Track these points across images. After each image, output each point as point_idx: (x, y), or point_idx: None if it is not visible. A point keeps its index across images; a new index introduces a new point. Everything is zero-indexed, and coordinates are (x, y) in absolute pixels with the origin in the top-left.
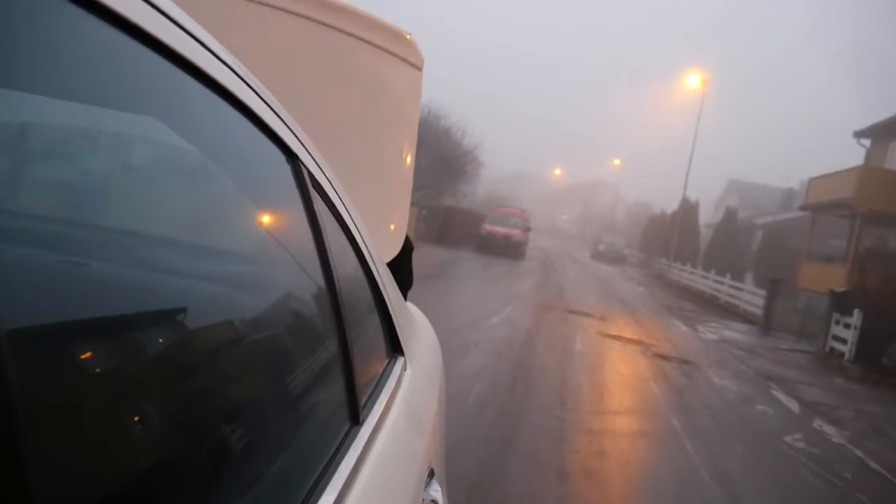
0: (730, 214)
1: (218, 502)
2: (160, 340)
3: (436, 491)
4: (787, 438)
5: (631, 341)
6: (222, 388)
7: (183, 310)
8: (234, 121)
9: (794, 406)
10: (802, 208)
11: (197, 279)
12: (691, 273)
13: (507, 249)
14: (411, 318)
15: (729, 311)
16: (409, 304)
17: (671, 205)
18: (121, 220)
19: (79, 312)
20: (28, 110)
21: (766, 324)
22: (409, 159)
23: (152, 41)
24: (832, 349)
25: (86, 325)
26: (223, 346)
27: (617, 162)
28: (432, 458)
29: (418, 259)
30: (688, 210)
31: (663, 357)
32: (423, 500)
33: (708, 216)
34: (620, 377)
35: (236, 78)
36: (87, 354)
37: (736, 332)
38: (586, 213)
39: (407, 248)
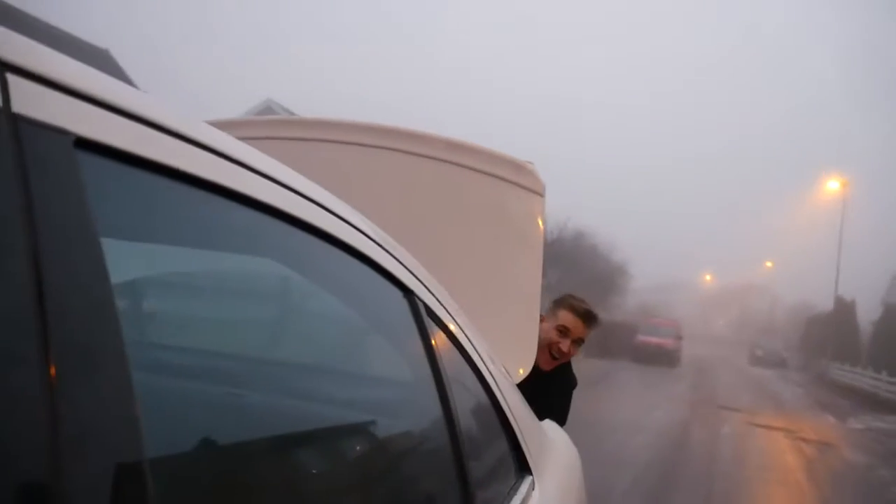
0: (889, 310)
1: None
2: (299, 459)
3: None
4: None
5: (776, 429)
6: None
7: (312, 435)
8: (352, 267)
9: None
10: None
11: (327, 404)
12: (851, 372)
13: (661, 358)
14: (545, 437)
15: (885, 406)
16: (548, 422)
17: (830, 304)
18: (268, 355)
19: (240, 436)
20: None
21: None
22: (534, 282)
23: (278, 212)
24: None
25: (244, 445)
26: (347, 466)
27: (769, 264)
28: None
29: (583, 367)
30: (842, 309)
31: (804, 440)
32: None
33: (873, 312)
34: (760, 450)
35: (349, 227)
36: (244, 471)
37: (885, 423)
38: (742, 317)
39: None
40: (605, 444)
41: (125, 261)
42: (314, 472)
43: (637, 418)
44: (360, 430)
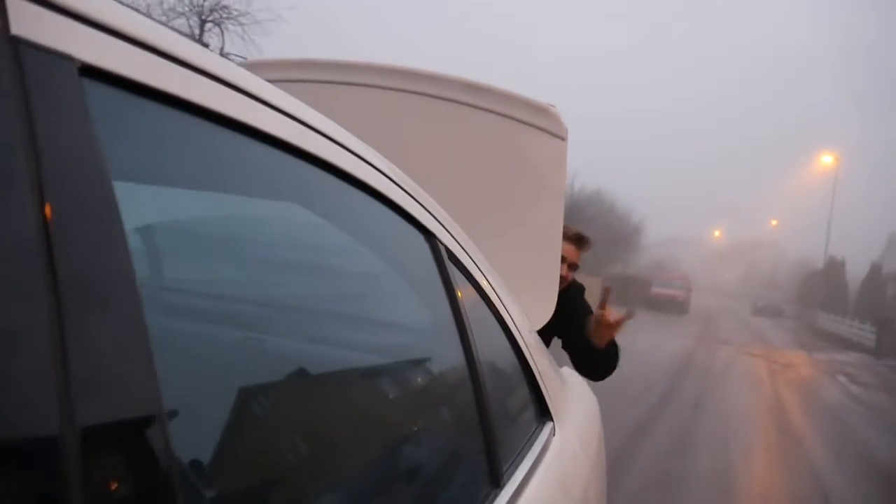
0: (874, 268)
1: None
2: (320, 402)
3: None
4: (823, 384)
5: (757, 356)
6: (368, 447)
7: (338, 379)
8: (372, 207)
9: (843, 379)
10: None
11: (347, 349)
12: (835, 322)
13: (672, 307)
14: (565, 384)
15: (852, 346)
16: (566, 369)
17: (851, 258)
18: (288, 298)
19: (258, 379)
20: (216, 207)
21: (875, 351)
22: (555, 228)
23: (298, 150)
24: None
25: (262, 388)
26: (370, 409)
27: (774, 223)
28: None
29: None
30: (833, 267)
31: (775, 363)
32: None
33: (863, 271)
34: (740, 367)
35: (371, 168)
36: (263, 414)
37: (845, 356)
38: (748, 271)
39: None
40: (632, 362)
41: (135, 197)
42: (334, 415)
43: (654, 347)
44: (381, 372)
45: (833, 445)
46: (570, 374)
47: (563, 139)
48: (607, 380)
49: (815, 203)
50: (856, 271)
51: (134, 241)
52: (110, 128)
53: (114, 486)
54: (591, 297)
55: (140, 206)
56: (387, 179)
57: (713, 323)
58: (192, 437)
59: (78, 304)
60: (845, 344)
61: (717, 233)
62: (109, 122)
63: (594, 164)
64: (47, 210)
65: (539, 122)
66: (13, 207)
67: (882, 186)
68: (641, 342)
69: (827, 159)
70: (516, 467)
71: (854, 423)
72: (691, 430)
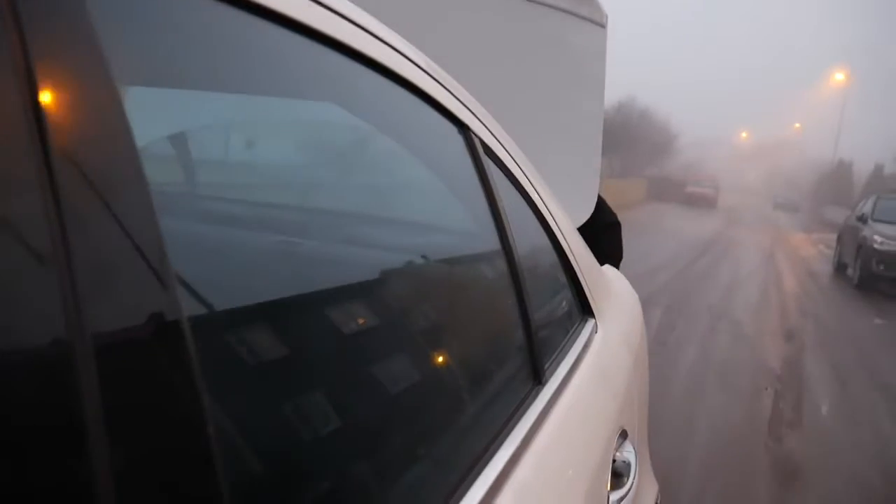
0: (877, 168)
1: (402, 449)
2: (356, 305)
3: (629, 452)
4: (806, 247)
5: (767, 234)
6: (409, 345)
7: (376, 279)
8: (403, 99)
9: (821, 246)
10: None
11: (384, 250)
12: (837, 213)
13: (703, 202)
14: (606, 282)
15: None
16: (608, 267)
17: (859, 159)
18: (317, 201)
19: (295, 286)
20: (239, 110)
21: None
22: (597, 120)
23: (326, 38)
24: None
25: (294, 293)
26: (410, 308)
27: (797, 126)
28: (625, 420)
29: (659, 207)
30: (842, 167)
31: (778, 237)
32: (615, 460)
33: (890, 167)
34: (753, 239)
35: (402, 58)
36: (301, 319)
37: (831, 235)
38: (772, 171)
39: (614, 222)
40: (676, 236)
41: (151, 96)
42: (372, 317)
43: (695, 227)
44: (418, 272)
45: (795, 269)
46: (612, 272)
47: (603, 26)
48: (677, 236)
49: (833, 110)
50: (863, 170)
51: (153, 143)
52: (113, 16)
53: (128, 395)
54: (636, 196)
55: (159, 106)
56: (417, 69)
57: (737, 214)
58: (214, 344)
59: (79, 199)
60: (837, 228)
61: (743, 134)
62: (113, 12)
63: (629, 70)
64: (41, 98)
65: (577, 8)
66: (4, 100)
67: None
68: (685, 225)
69: (839, 76)
70: (558, 364)
71: (813, 263)
72: (721, 260)
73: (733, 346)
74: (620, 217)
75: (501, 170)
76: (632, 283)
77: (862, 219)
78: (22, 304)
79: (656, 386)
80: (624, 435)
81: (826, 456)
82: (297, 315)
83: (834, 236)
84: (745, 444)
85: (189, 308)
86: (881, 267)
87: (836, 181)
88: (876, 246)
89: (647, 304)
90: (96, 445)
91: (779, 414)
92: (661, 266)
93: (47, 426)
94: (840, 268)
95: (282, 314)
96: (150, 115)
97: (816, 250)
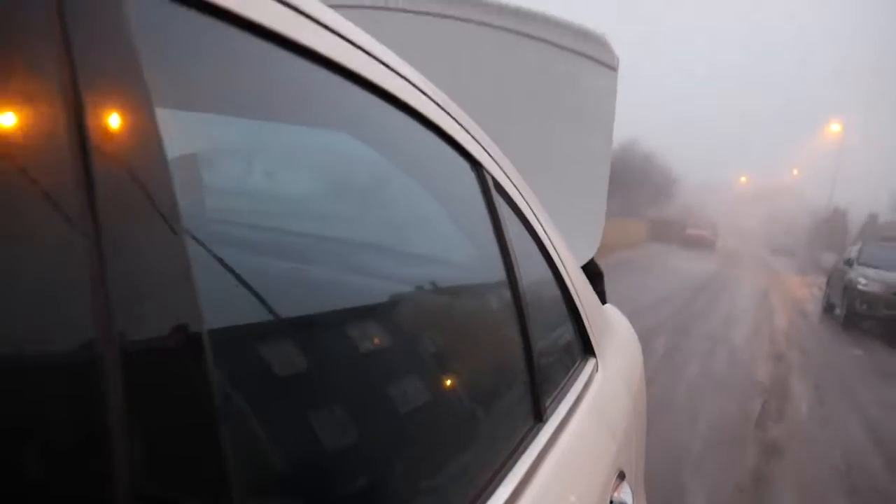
0: (871, 217)
1: (403, 483)
2: (359, 336)
3: (626, 494)
4: (799, 289)
5: (764, 276)
6: (411, 379)
7: (383, 310)
8: (419, 134)
9: (815, 289)
10: None
11: (392, 281)
12: (831, 258)
13: (702, 244)
14: (608, 321)
15: None
16: (609, 306)
17: (854, 208)
18: (328, 229)
19: (295, 307)
20: (251, 136)
21: None
22: (604, 161)
23: (346, 72)
24: None
25: (300, 318)
26: (417, 340)
27: (795, 172)
28: (623, 461)
29: (659, 248)
30: (837, 215)
31: (776, 280)
32: (613, 501)
33: (885, 216)
34: (750, 280)
35: (419, 93)
36: (308, 344)
37: (824, 278)
38: (770, 216)
39: (599, 272)
40: (677, 274)
41: (178, 121)
42: (376, 347)
43: (693, 267)
44: (425, 304)
45: (787, 308)
46: (614, 312)
47: (614, 69)
48: (677, 275)
49: (830, 159)
50: (859, 218)
51: (175, 166)
52: (152, 44)
53: (153, 404)
54: (636, 236)
55: (184, 130)
56: (434, 105)
57: (735, 257)
58: (233, 361)
59: (116, 220)
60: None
61: (743, 178)
62: (152, 39)
63: (633, 114)
64: (86, 130)
65: (589, 50)
66: (49, 116)
67: (886, 148)
68: (684, 265)
69: (835, 127)
70: (559, 402)
71: (805, 304)
72: (718, 298)
73: (729, 365)
74: (623, 256)
75: (511, 208)
76: (638, 313)
77: (848, 262)
78: (53, 312)
79: (667, 389)
80: (622, 476)
81: (800, 442)
82: (300, 340)
83: (824, 278)
84: (738, 432)
85: (208, 322)
86: (864, 306)
87: (831, 228)
88: (860, 287)
89: (653, 331)
90: (117, 449)
91: (766, 414)
92: (664, 299)
93: (71, 429)
94: (829, 308)
95: (287, 338)
96: (180, 136)
97: (809, 292)
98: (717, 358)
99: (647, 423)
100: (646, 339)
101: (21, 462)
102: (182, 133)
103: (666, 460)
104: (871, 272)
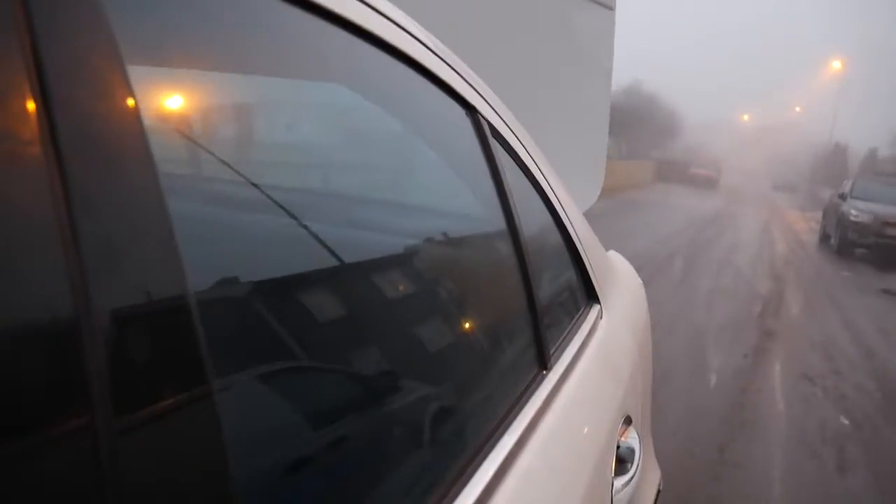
0: (871, 152)
1: (409, 433)
2: (362, 288)
3: (633, 438)
4: (798, 222)
5: (765, 209)
6: (415, 331)
7: (382, 263)
8: (413, 81)
9: (813, 222)
10: None
11: (390, 233)
12: (829, 194)
13: (706, 183)
14: (611, 267)
15: None
16: (612, 252)
17: (855, 143)
18: (323, 184)
19: (299, 269)
20: (246, 91)
21: None
22: (603, 103)
23: (333, 16)
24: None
25: (295, 274)
26: (417, 291)
27: (798, 109)
28: (629, 406)
29: (666, 187)
30: (837, 151)
31: (775, 213)
32: (619, 446)
33: (884, 151)
34: (752, 215)
35: (412, 39)
36: (307, 296)
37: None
38: (773, 153)
39: None
40: (685, 211)
41: (154, 75)
42: (376, 300)
43: (698, 205)
44: (425, 254)
45: (787, 238)
46: (617, 258)
47: (612, 9)
48: (685, 211)
49: (832, 96)
50: (859, 154)
51: (152, 120)
52: None
53: (135, 369)
54: (644, 177)
55: (161, 86)
56: (427, 51)
57: (739, 194)
58: (220, 320)
59: (85, 174)
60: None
61: (745, 117)
62: None
63: (637, 53)
64: (49, 81)
65: None
66: (8, 76)
67: (887, 84)
68: (689, 203)
69: (836, 65)
70: (564, 350)
71: (803, 234)
72: (724, 230)
73: (735, 281)
74: (634, 196)
75: (509, 153)
76: (654, 244)
77: (842, 196)
78: (28, 286)
79: (688, 295)
80: (628, 421)
81: (791, 329)
82: (301, 298)
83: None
84: (743, 323)
85: (196, 289)
86: (855, 235)
87: (831, 164)
88: (852, 218)
89: (669, 256)
90: (102, 424)
91: (765, 313)
92: (675, 233)
93: (52, 407)
94: (824, 238)
95: (286, 297)
96: (157, 95)
97: (808, 225)
98: (725, 276)
99: (652, 367)
100: (668, 259)
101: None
102: (159, 90)
103: (690, 338)
104: (861, 204)
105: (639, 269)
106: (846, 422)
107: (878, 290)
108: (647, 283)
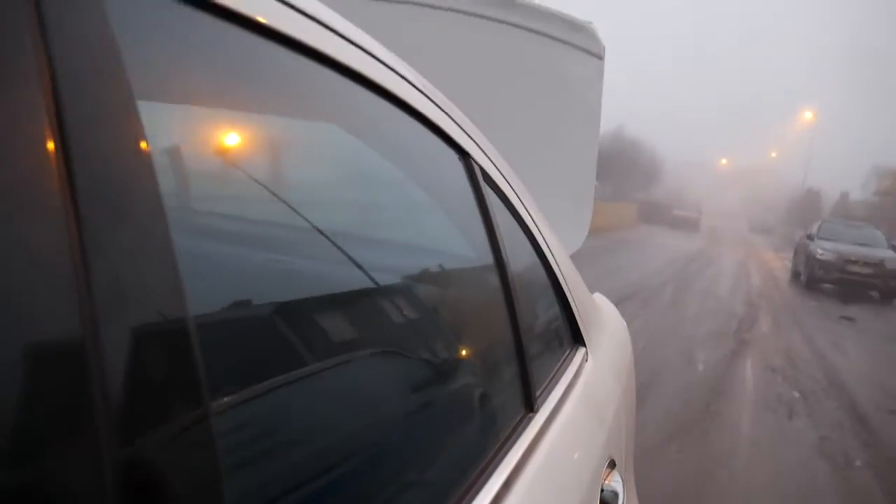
0: (843, 196)
1: (395, 473)
2: (348, 327)
3: (616, 482)
4: (772, 261)
5: (741, 250)
6: (403, 371)
7: (372, 301)
8: (406, 124)
9: (787, 261)
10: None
11: (379, 272)
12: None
13: (688, 225)
14: (597, 311)
15: None
16: (598, 295)
17: (828, 187)
18: (316, 220)
19: (281, 299)
20: (241, 126)
21: None
22: (591, 150)
23: (332, 62)
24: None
25: (287, 310)
26: (407, 329)
27: (773, 154)
28: (613, 449)
29: (650, 228)
30: (811, 195)
31: (751, 254)
32: (603, 490)
33: (855, 195)
34: (730, 254)
35: (405, 83)
36: (289, 335)
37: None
38: (750, 196)
39: None
40: (669, 249)
41: (160, 113)
42: (364, 337)
43: (681, 245)
44: (414, 295)
45: (762, 274)
46: (602, 300)
47: (601, 58)
48: (671, 250)
49: (805, 143)
50: (832, 196)
51: (159, 159)
52: (132, 32)
53: (138, 397)
54: (629, 218)
55: (165, 124)
56: (421, 95)
57: (718, 235)
58: (220, 352)
59: (98, 215)
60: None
61: (723, 161)
62: (131, 28)
63: (620, 101)
64: (64, 122)
65: (576, 39)
66: (25, 117)
67: (859, 131)
68: (675, 242)
69: (808, 115)
70: (549, 392)
71: (777, 272)
72: (706, 266)
73: (716, 305)
74: (622, 235)
75: (500, 198)
76: (644, 276)
77: (810, 237)
78: (35, 306)
79: (678, 314)
80: (612, 464)
81: (761, 339)
82: (289, 331)
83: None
84: (723, 334)
85: (197, 321)
86: (822, 271)
87: (806, 206)
88: (818, 256)
89: (661, 286)
90: (104, 443)
91: (741, 328)
92: (662, 268)
93: (56, 425)
94: (796, 275)
95: (279, 334)
96: (162, 127)
97: (782, 264)
98: (708, 301)
99: (636, 408)
100: (660, 287)
101: (4, 456)
102: (165, 126)
103: (683, 341)
104: (827, 244)
105: (636, 295)
106: (797, 394)
107: (838, 317)
108: (646, 304)
